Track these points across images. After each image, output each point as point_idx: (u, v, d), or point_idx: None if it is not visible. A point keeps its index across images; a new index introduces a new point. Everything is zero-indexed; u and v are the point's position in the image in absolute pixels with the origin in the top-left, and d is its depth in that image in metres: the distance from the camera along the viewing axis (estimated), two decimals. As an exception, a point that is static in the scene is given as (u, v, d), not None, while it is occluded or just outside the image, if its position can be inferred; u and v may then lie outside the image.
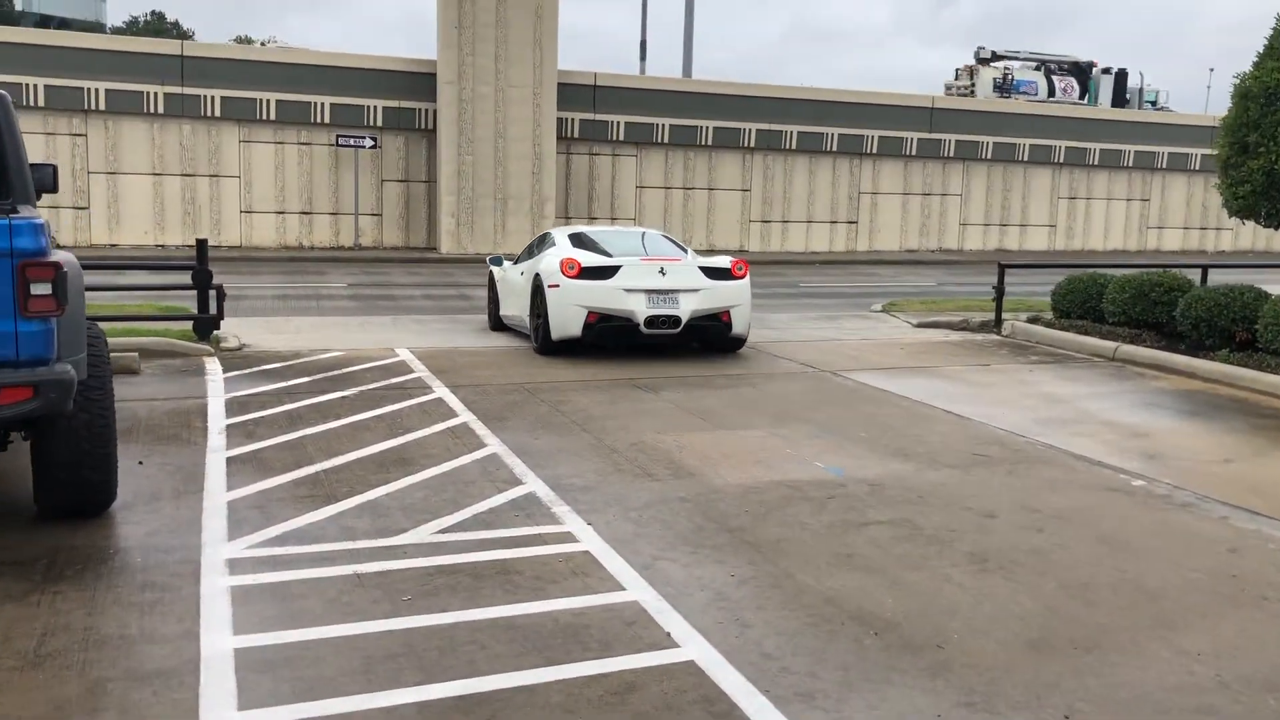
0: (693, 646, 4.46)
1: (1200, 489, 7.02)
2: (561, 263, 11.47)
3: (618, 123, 30.60)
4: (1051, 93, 40.09)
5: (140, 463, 7.01)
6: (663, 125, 30.99)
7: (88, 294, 13.99)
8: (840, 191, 33.37)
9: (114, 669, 4.14)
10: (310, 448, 7.49)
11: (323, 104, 28.10)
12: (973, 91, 39.71)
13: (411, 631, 4.54)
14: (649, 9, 38.54)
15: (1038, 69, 41.23)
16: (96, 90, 26.37)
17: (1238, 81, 12.30)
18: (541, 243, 12.88)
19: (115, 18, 74.48)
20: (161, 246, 26.94)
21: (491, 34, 27.58)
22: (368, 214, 28.93)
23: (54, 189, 5.96)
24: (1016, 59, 41.76)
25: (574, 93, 29.69)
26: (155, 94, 26.83)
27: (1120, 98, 41.79)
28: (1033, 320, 14.66)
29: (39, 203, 5.80)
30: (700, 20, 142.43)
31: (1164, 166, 37.13)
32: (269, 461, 7.12)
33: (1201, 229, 38.53)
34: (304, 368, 10.64)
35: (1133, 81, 43.31)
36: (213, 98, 27.25)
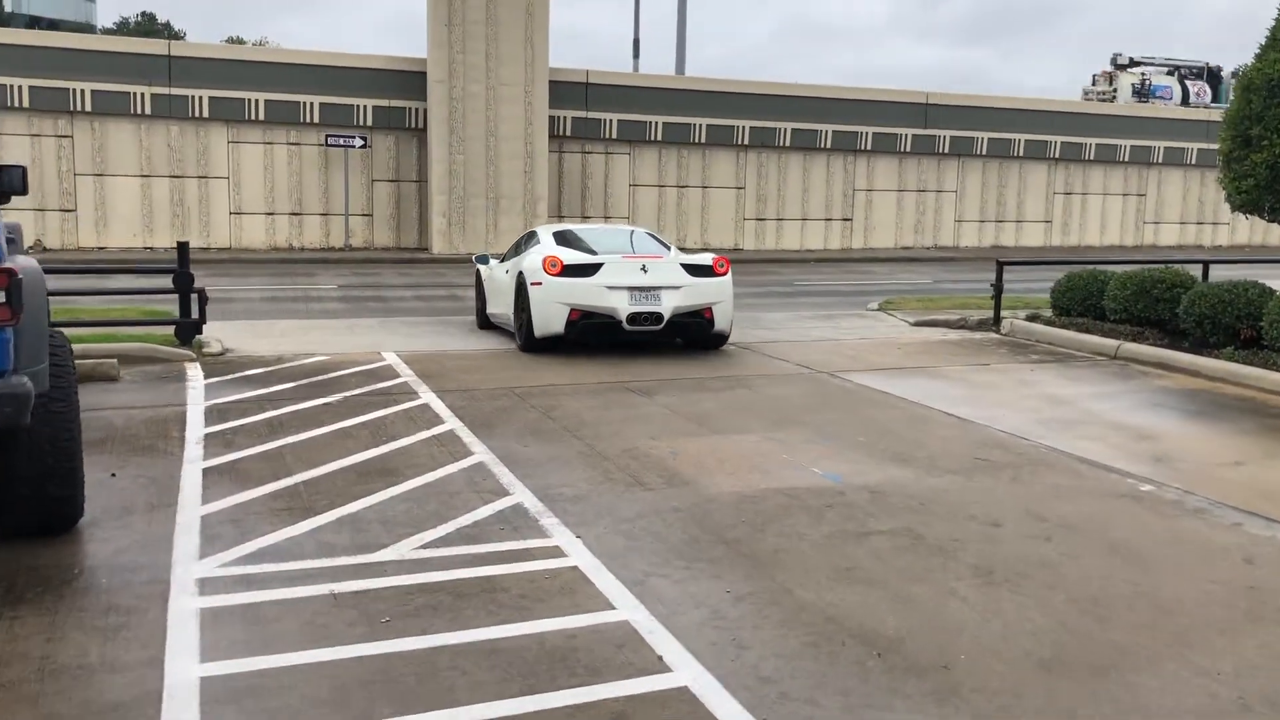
0: (686, 671, 4.21)
1: (1211, 494, 6.79)
2: (544, 260, 11.50)
3: (610, 121, 30.33)
4: (1185, 97, 40.93)
5: (113, 475, 6.76)
6: (656, 123, 30.73)
7: (71, 299, 13.74)
8: (835, 189, 33.13)
9: (69, 702, 3.89)
10: (290, 458, 7.23)
11: (312, 103, 27.80)
12: (1113, 97, 40.56)
13: (389, 657, 4.30)
14: (641, 7, 38.30)
15: (1170, 74, 41.77)
16: (82, 91, 26.04)
17: (1239, 74, 12.09)
18: (527, 241, 13.03)
19: (105, 19, 74.22)
20: (150, 249, 26.61)
21: (482, 31, 27.29)
22: (358, 214, 28.64)
23: (22, 191, 5.70)
24: (1151, 64, 42.38)
25: (566, 91, 29.42)
26: (142, 95, 26.51)
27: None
28: (1032, 318, 14.42)
29: (16, 205, 5.52)
30: (693, 17, 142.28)
31: (1160, 161, 36.93)
32: (247, 472, 6.87)
33: (1198, 224, 38.34)
34: (288, 373, 10.38)
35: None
36: (200, 98, 26.95)
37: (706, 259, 12.07)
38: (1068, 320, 13.93)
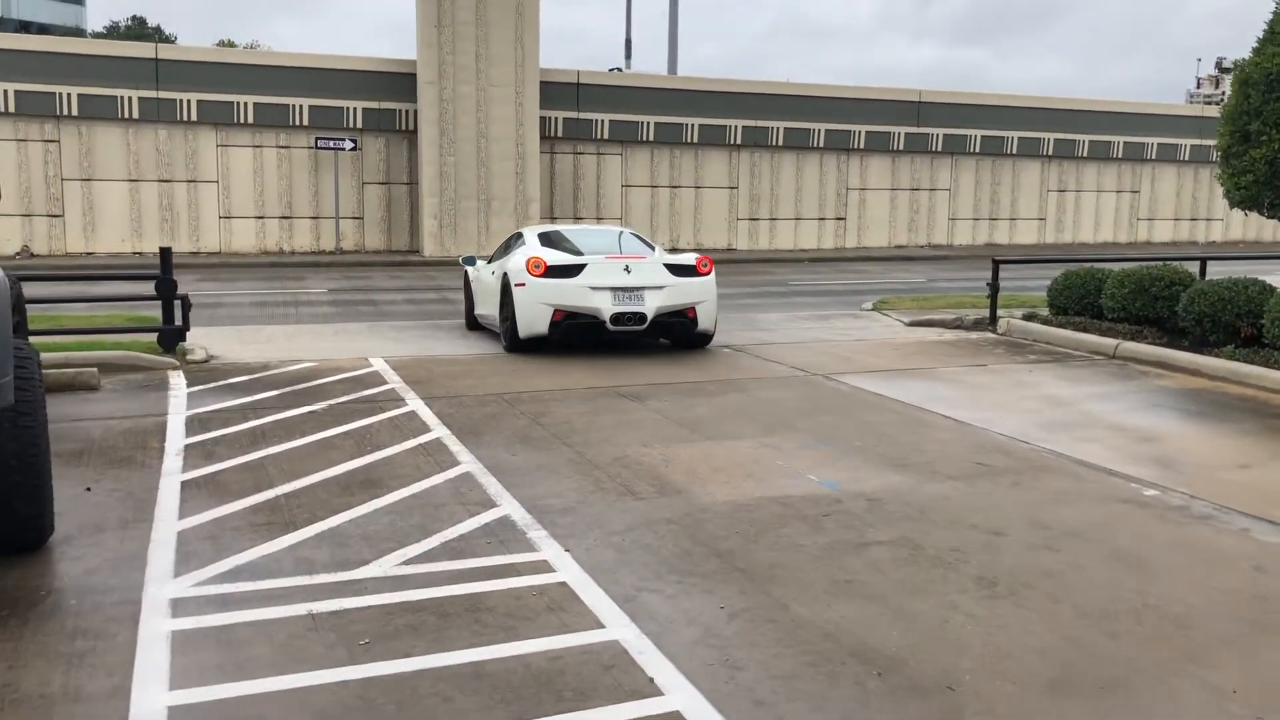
0: (678, 695, 4.02)
1: (1217, 498, 6.61)
2: (527, 261, 11.53)
3: (602, 121, 30.14)
4: None
5: (88, 489, 6.55)
6: (648, 123, 30.55)
7: (54, 305, 13.49)
8: (828, 188, 32.97)
9: (29, 736, 3.70)
10: (271, 469, 7.04)
11: (301, 106, 27.59)
12: (1220, 100, 40.26)
13: (368, 682, 4.10)
14: (633, 6, 38.11)
15: None
16: (69, 95, 25.80)
17: (1237, 69, 11.93)
18: (513, 242, 13.04)
19: (96, 23, 73.83)
20: (139, 254, 26.36)
21: (472, 32, 27.09)
22: (349, 217, 28.42)
23: None
24: None
25: (557, 91, 29.22)
26: (130, 98, 26.28)
27: None
28: (1029, 317, 14.24)
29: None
30: (685, 17, 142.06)
31: (1153, 158, 36.83)
32: (227, 485, 6.67)
33: (1192, 220, 38.24)
34: (273, 380, 10.18)
35: None
36: (188, 101, 26.72)
37: (689, 259, 12.09)
38: (1065, 319, 13.76)
